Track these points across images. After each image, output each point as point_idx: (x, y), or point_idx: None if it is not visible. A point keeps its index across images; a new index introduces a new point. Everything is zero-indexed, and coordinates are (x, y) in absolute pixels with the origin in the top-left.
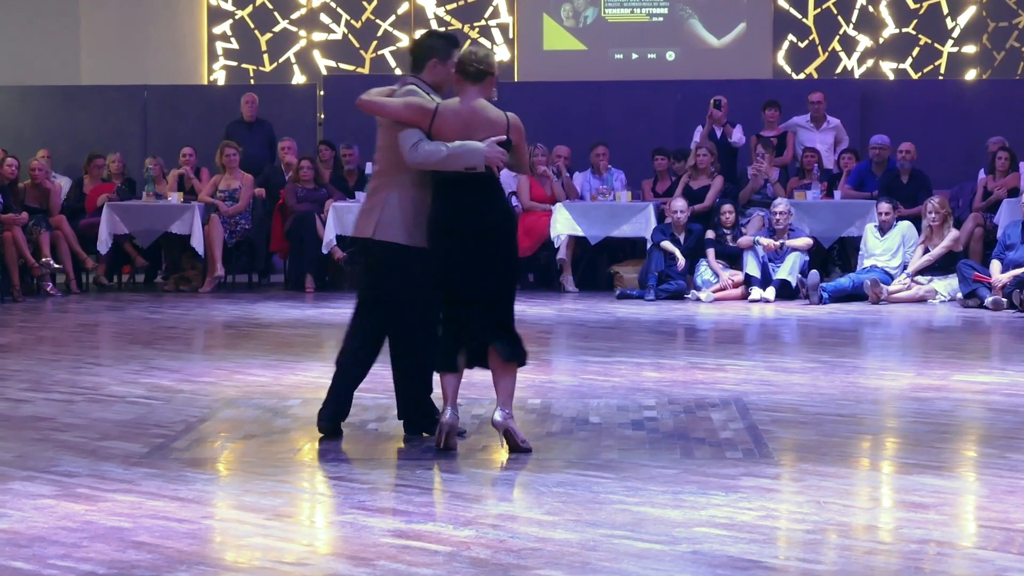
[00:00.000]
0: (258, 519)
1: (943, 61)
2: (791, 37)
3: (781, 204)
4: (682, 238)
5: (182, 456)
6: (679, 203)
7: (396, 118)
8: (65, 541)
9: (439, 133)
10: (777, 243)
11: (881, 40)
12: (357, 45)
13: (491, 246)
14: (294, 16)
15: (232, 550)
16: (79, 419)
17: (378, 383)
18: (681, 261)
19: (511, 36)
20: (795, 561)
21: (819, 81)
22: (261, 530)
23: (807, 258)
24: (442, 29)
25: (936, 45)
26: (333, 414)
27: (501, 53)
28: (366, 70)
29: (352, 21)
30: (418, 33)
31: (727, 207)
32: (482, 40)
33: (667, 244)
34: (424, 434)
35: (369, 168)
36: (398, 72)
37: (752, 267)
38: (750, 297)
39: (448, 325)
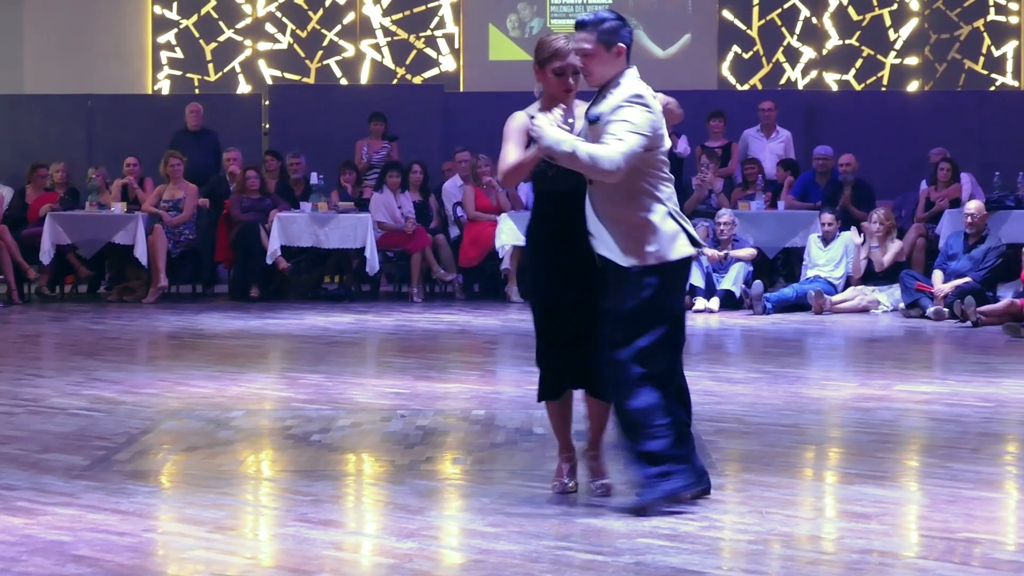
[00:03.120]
0: (201, 532)
1: (886, 72)
2: (736, 48)
3: (725, 215)
4: None
5: (124, 468)
6: None
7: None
8: (4, 555)
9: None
10: (721, 253)
11: (825, 51)
12: (303, 55)
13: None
14: (239, 25)
15: (175, 563)
16: (19, 431)
17: (321, 395)
18: None
19: (457, 46)
20: (738, 572)
21: (764, 92)
22: (204, 543)
23: (751, 268)
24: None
25: (879, 57)
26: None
27: (447, 63)
28: (312, 79)
29: (297, 31)
30: (364, 43)
31: None
32: (427, 51)
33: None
34: None
35: (315, 179)
36: (344, 82)
37: (696, 278)
38: (694, 308)
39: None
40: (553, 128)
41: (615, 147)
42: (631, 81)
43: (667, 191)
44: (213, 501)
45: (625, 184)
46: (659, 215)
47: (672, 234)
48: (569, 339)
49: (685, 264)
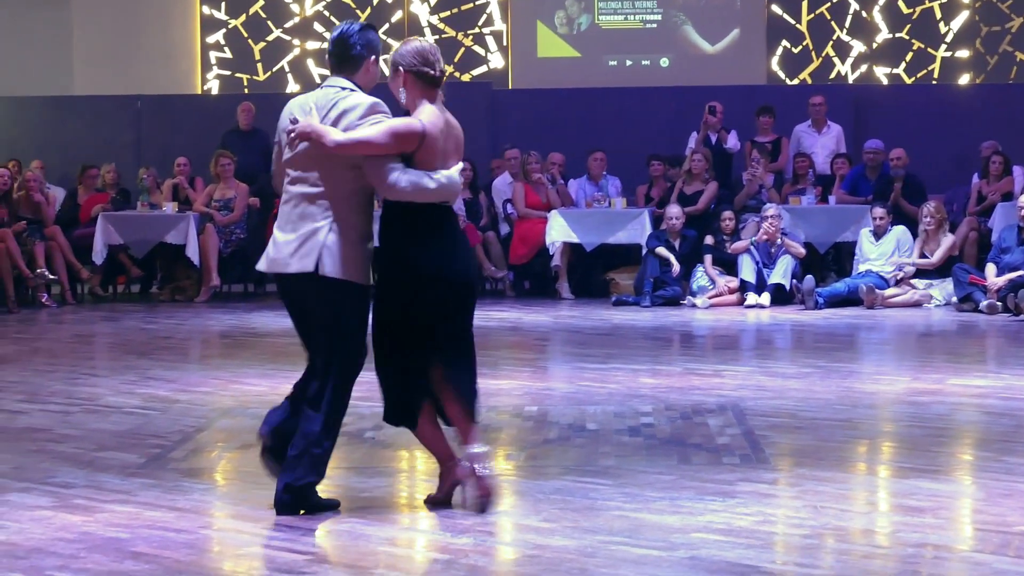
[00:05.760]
0: (256, 528)
1: (936, 66)
2: (785, 43)
3: (770, 208)
4: (677, 244)
5: (179, 466)
6: (674, 209)
7: (385, 152)
8: (63, 552)
9: (423, 158)
10: (775, 233)
11: (874, 45)
12: None
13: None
14: (287, 25)
15: (231, 559)
16: (76, 430)
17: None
18: (676, 267)
19: (505, 43)
20: (792, 566)
21: (813, 87)
22: (259, 539)
23: (797, 261)
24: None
25: (929, 50)
26: None
27: (495, 60)
28: None
29: None
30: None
31: (727, 214)
32: (476, 48)
33: (662, 250)
34: None
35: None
36: None
37: (748, 272)
38: (746, 303)
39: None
40: None
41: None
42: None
43: None
44: (267, 498)
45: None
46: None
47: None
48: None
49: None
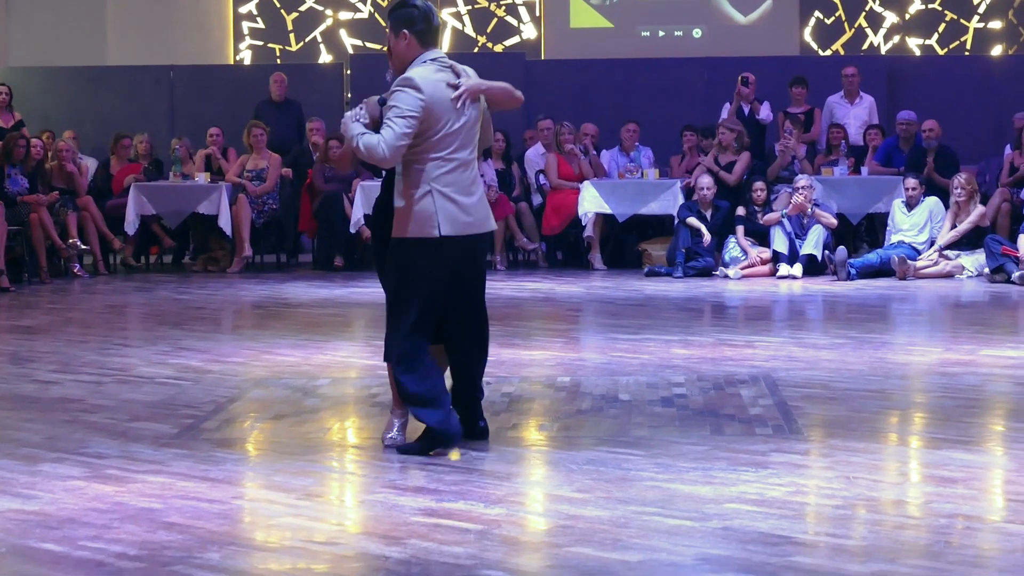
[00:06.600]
0: (288, 499)
1: (969, 37)
2: (817, 13)
3: (802, 179)
4: (708, 215)
5: (212, 437)
6: (705, 180)
7: None
8: (95, 523)
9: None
10: (807, 205)
11: (907, 16)
12: (383, 24)
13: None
14: None
15: (262, 530)
16: (108, 400)
17: None
18: (707, 237)
19: (538, 14)
20: (825, 536)
21: (846, 58)
22: (291, 510)
23: (829, 232)
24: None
25: (962, 21)
26: None
27: (528, 31)
28: None
29: (378, 0)
30: (445, 11)
31: (759, 184)
32: (508, 19)
33: (693, 221)
34: None
35: None
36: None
37: (780, 243)
38: (778, 274)
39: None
40: (349, 122)
41: (383, 135)
42: (415, 67)
43: (437, 172)
44: (301, 468)
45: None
46: (419, 193)
47: (421, 214)
48: None
49: (424, 243)
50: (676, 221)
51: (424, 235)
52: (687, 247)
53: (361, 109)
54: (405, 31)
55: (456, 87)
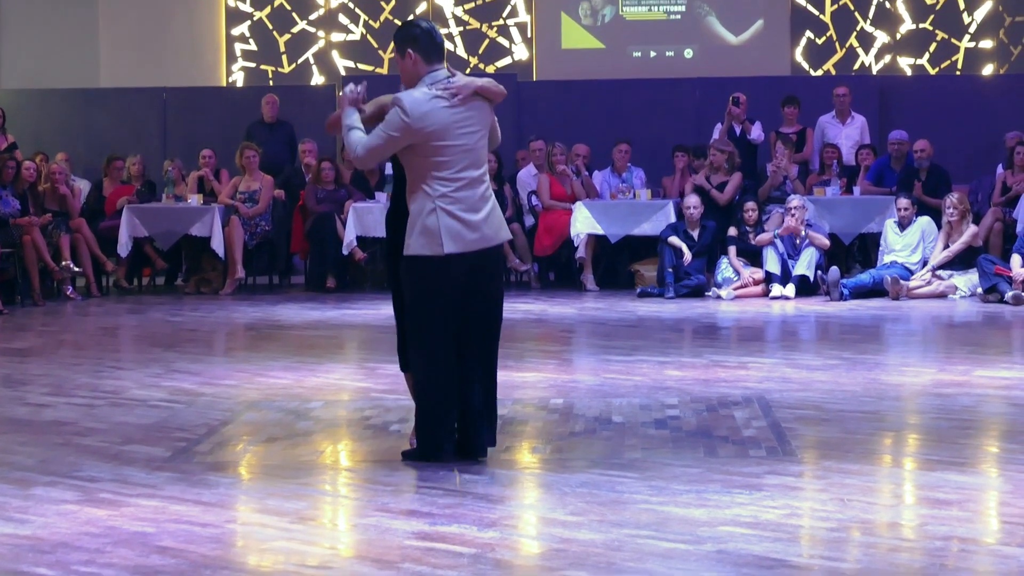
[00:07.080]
0: (281, 522)
1: (960, 56)
2: (809, 33)
3: (794, 199)
4: (696, 234)
5: (205, 460)
6: (692, 199)
7: None
8: (88, 547)
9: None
10: (800, 227)
11: (898, 36)
12: (375, 45)
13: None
14: (312, 17)
15: (255, 554)
16: (101, 423)
17: (399, 384)
18: (688, 256)
19: (529, 35)
20: (819, 559)
21: (837, 77)
22: (284, 534)
23: (821, 252)
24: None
25: (953, 40)
26: None
27: (520, 52)
28: (385, 70)
29: (370, 21)
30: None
31: (750, 204)
32: (500, 40)
33: (674, 239)
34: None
35: (390, 169)
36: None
37: (772, 264)
38: (771, 294)
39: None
40: (347, 105)
41: (368, 139)
42: (415, 89)
43: (442, 190)
44: (293, 492)
45: (408, 178)
46: (425, 211)
47: (427, 232)
48: None
49: (431, 260)
50: (660, 243)
51: (431, 253)
52: (673, 265)
53: (359, 86)
54: (410, 51)
55: (455, 93)
